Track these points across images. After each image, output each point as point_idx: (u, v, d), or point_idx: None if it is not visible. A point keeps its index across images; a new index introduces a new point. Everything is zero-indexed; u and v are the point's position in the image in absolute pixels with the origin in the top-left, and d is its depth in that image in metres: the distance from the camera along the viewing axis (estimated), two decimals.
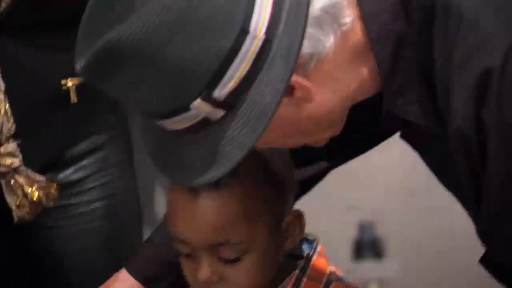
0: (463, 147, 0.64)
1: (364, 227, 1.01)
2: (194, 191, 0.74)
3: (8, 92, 0.91)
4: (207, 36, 0.62)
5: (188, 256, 0.76)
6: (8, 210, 0.92)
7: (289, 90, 0.65)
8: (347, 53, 0.67)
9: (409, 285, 1.60)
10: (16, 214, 0.92)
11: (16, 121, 0.91)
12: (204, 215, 0.75)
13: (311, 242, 0.83)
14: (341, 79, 0.68)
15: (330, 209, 1.10)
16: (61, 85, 0.93)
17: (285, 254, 0.80)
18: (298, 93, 0.66)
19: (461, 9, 0.63)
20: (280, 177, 0.78)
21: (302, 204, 0.82)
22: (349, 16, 0.66)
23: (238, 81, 0.63)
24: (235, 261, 0.75)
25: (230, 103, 0.64)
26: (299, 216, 0.79)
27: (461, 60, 0.63)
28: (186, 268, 0.78)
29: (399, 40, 0.67)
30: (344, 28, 0.66)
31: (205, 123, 0.65)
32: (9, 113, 0.91)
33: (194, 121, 0.65)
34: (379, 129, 0.76)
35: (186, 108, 0.64)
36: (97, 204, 1.00)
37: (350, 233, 0.86)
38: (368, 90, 0.70)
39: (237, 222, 0.74)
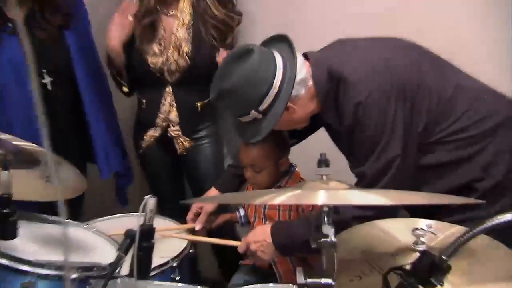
0: (347, 132, 1.56)
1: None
2: (246, 145, 1.82)
3: (176, 102, 2.22)
4: (258, 86, 1.53)
5: (245, 168, 1.87)
6: (175, 149, 2.26)
7: (287, 108, 1.57)
8: (309, 96, 1.60)
9: None
10: (179, 150, 2.26)
11: (179, 116, 2.22)
12: (247, 154, 1.85)
13: (294, 166, 1.92)
14: (306, 105, 1.62)
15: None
16: (196, 105, 2.24)
17: (282, 171, 1.87)
18: (291, 110, 1.59)
19: (347, 78, 1.54)
20: (281, 142, 1.84)
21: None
22: (310, 82, 1.59)
23: (267, 105, 1.54)
24: (258, 172, 1.85)
25: (265, 112, 1.56)
26: (287, 159, 1.89)
27: (348, 99, 1.53)
28: (245, 173, 1.88)
29: (328, 92, 1.58)
30: (308, 86, 1.59)
31: (254, 119, 1.57)
32: (175, 111, 2.23)
33: (251, 118, 1.58)
34: (315, 126, 1.77)
35: (248, 113, 1.57)
36: (208, 151, 2.31)
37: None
38: (316, 111, 1.64)
39: (259, 158, 1.83)
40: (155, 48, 2.14)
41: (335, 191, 1.08)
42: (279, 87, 1.52)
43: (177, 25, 2.13)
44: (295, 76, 1.53)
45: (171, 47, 2.13)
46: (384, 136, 1.51)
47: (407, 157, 1.53)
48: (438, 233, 1.33)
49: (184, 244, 1.79)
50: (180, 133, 2.22)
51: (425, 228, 1.32)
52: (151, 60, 2.14)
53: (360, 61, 1.57)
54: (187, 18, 2.12)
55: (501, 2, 1.80)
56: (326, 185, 1.13)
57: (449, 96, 1.56)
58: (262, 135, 1.57)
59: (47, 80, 2.01)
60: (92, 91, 2.12)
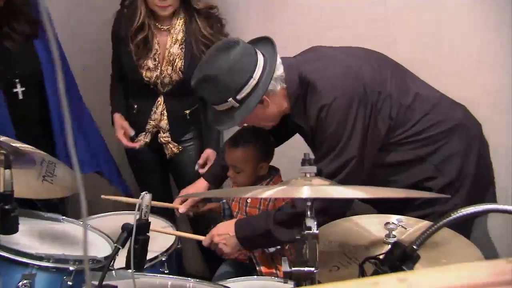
0: (311, 131, 1.70)
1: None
2: (231, 147, 1.95)
3: (167, 111, 2.35)
4: (238, 75, 1.63)
5: (229, 167, 1.98)
6: (164, 153, 2.39)
7: (262, 101, 1.68)
8: (282, 95, 1.72)
9: None
10: (168, 155, 2.39)
11: (169, 124, 2.36)
12: (230, 155, 1.96)
13: (277, 170, 2.02)
14: (279, 103, 1.74)
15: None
16: (185, 113, 2.38)
17: (260, 175, 1.96)
18: (265, 103, 1.70)
19: (315, 84, 1.67)
20: (264, 149, 1.96)
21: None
22: (284, 83, 1.71)
23: (245, 94, 1.63)
24: (238, 173, 1.96)
25: (241, 102, 1.64)
26: (267, 164, 1.97)
27: (315, 103, 1.67)
28: (228, 172, 2.00)
29: (297, 96, 1.71)
30: (283, 86, 1.71)
31: (231, 108, 1.66)
32: (166, 119, 2.35)
33: (227, 106, 1.66)
34: (290, 130, 1.92)
35: (225, 101, 1.65)
36: (192, 152, 2.41)
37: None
38: (286, 111, 1.76)
39: (239, 160, 1.94)
40: (150, 63, 2.26)
41: (318, 186, 1.21)
42: (258, 79, 1.63)
43: (171, 41, 2.25)
44: (273, 72, 1.64)
45: (165, 62, 2.25)
46: (343, 137, 1.64)
47: (363, 158, 1.66)
48: (407, 227, 1.47)
49: (172, 239, 1.89)
50: (169, 139, 2.36)
51: (396, 222, 1.46)
52: (146, 74, 2.26)
53: (328, 69, 1.71)
54: (180, 35, 2.24)
55: (502, 4, 1.89)
56: (310, 182, 1.25)
57: (409, 103, 1.72)
58: (235, 122, 1.68)
59: (19, 89, 2.05)
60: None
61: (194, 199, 2.09)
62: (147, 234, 1.37)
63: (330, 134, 1.65)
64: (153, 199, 2.33)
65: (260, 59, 1.66)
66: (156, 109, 2.33)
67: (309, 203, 1.22)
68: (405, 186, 1.73)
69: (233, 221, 1.83)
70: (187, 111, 2.37)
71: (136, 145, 2.36)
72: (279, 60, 1.70)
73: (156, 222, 1.98)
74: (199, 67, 1.68)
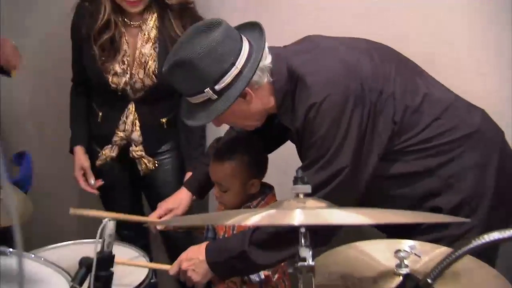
0: (297, 133, 1.47)
1: None
2: (216, 161, 1.72)
3: (139, 120, 2.06)
4: (218, 62, 1.37)
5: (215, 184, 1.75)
6: (137, 169, 2.11)
7: (245, 95, 1.44)
8: (269, 90, 1.48)
9: None
10: (142, 171, 2.12)
11: (142, 135, 2.07)
12: (214, 170, 1.74)
13: (270, 189, 1.80)
14: (264, 99, 1.49)
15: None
16: (161, 122, 2.10)
17: (250, 193, 1.73)
18: (248, 97, 1.45)
19: (305, 79, 1.43)
20: (254, 163, 1.72)
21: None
22: (272, 77, 1.47)
23: (225, 84, 1.38)
24: (224, 192, 1.73)
25: (220, 93, 1.40)
26: (259, 182, 1.75)
27: (304, 100, 1.43)
28: (214, 191, 1.77)
29: (286, 92, 1.47)
30: (270, 79, 1.47)
31: (207, 101, 1.41)
32: (138, 130, 2.06)
33: (203, 99, 1.41)
34: (278, 136, 1.71)
35: (202, 92, 1.40)
36: (169, 166, 2.16)
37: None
38: (273, 110, 1.52)
39: (225, 176, 1.71)
40: (117, 67, 1.97)
41: (312, 210, 0.98)
42: (241, 68, 1.39)
43: (142, 40, 1.97)
44: (260, 60, 1.40)
45: (136, 64, 1.97)
46: (334, 143, 1.41)
47: (358, 168, 1.44)
48: (422, 255, 1.24)
49: (145, 271, 1.64)
50: (143, 153, 2.08)
51: (408, 249, 1.24)
52: (112, 79, 1.98)
53: (322, 63, 1.48)
54: (153, 33, 1.96)
55: (502, 5, 1.75)
56: (303, 203, 1.04)
57: (416, 105, 1.49)
58: (211, 117, 1.42)
59: None
60: None
61: (176, 212, 1.83)
62: (111, 269, 1.15)
63: (319, 138, 1.42)
64: (125, 223, 2.05)
65: (246, 46, 1.42)
66: (126, 118, 2.03)
67: (302, 230, 1.01)
68: (409, 203, 1.50)
69: (204, 244, 1.57)
70: (164, 120, 2.09)
71: (95, 191, 2.13)
72: (267, 49, 1.45)
73: (124, 252, 1.72)
74: (173, 51, 1.43)
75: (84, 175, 2.14)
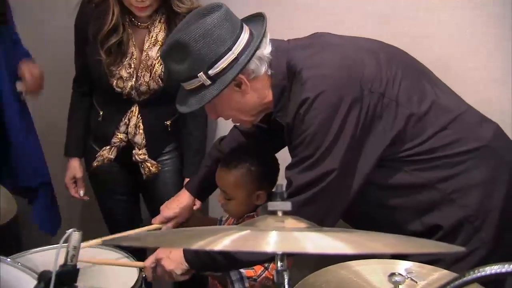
0: (288, 129, 1.38)
1: None
2: (223, 168, 1.66)
3: (143, 123, 1.96)
4: (214, 45, 1.30)
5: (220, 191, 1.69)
6: (139, 173, 2.02)
7: (240, 84, 1.36)
8: (266, 83, 1.40)
9: None
10: (144, 176, 2.01)
11: (146, 138, 1.97)
12: (220, 177, 1.67)
13: None
14: (261, 92, 1.41)
15: None
16: (166, 124, 2.01)
17: (258, 204, 1.67)
18: (243, 87, 1.37)
19: (301, 73, 1.34)
20: (260, 172, 1.64)
21: None
22: (271, 69, 1.39)
23: (219, 70, 1.31)
24: (228, 200, 1.67)
25: (214, 79, 1.32)
26: (264, 193, 1.65)
27: (297, 95, 1.33)
28: (219, 197, 1.70)
29: (283, 88, 1.39)
30: (269, 72, 1.39)
31: (201, 86, 1.34)
32: (142, 133, 1.96)
33: (197, 84, 1.34)
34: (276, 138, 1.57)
35: (195, 76, 1.33)
36: (169, 167, 2.06)
37: None
38: (269, 106, 1.44)
39: (230, 185, 1.65)
40: (124, 72, 1.87)
41: (289, 233, 0.87)
42: (238, 54, 1.31)
43: (149, 42, 1.87)
44: (257, 47, 1.32)
45: (142, 67, 1.88)
46: (323, 142, 1.29)
47: (347, 173, 1.33)
48: (418, 279, 1.12)
49: (134, 277, 1.55)
50: (146, 156, 1.98)
51: (404, 273, 1.12)
52: (118, 83, 1.89)
53: (321, 58, 1.37)
54: (160, 35, 1.87)
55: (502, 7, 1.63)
56: (281, 223, 0.92)
57: (422, 113, 1.36)
58: (202, 102, 1.34)
59: None
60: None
61: (177, 223, 1.75)
62: (75, 284, 1.05)
63: (308, 135, 1.31)
64: (120, 225, 2.07)
65: (246, 33, 1.34)
66: (129, 120, 1.94)
67: (279, 252, 0.90)
68: (407, 216, 1.39)
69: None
70: (168, 122, 1.99)
71: (85, 198, 2.09)
72: (268, 39, 1.37)
73: (106, 255, 1.62)
74: (171, 34, 1.37)
75: (75, 182, 2.08)
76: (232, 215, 1.73)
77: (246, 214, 1.67)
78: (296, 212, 0.93)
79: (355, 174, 1.33)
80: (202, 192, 1.79)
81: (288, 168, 1.38)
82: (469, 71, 1.71)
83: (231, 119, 1.51)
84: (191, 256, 1.44)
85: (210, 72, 1.31)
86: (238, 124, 1.63)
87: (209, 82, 1.32)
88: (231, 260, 1.38)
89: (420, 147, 1.35)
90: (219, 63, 1.30)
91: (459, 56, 1.72)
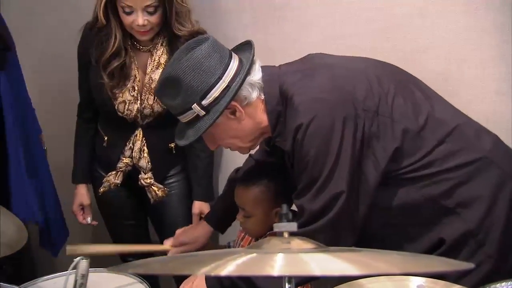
0: (288, 156, 1.40)
1: None
2: (241, 185, 1.65)
3: (147, 146, 1.97)
4: (204, 76, 1.32)
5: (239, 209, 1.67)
6: (146, 197, 2.02)
7: (234, 111, 1.38)
8: (260, 108, 1.40)
9: None
10: (152, 200, 2.01)
11: (151, 162, 1.97)
12: (239, 195, 1.65)
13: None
14: (256, 117, 1.41)
15: None
16: (170, 147, 2.01)
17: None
18: (237, 114, 1.38)
19: (293, 99, 1.35)
20: (278, 189, 1.61)
21: None
22: (262, 94, 1.40)
23: (212, 99, 1.33)
24: (247, 217, 1.65)
25: (208, 109, 1.34)
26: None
27: (291, 121, 1.34)
28: (238, 215, 1.70)
29: (278, 113, 1.39)
30: (262, 97, 1.40)
31: (196, 117, 1.36)
32: (147, 156, 1.97)
33: (192, 116, 1.36)
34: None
35: (190, 108, 1.34)
36: (176, 190, 2.05)
37: None
38: (267, 131, 1.43)
39: (248, 202, 1.63)
40: (128, 95, 1.89)
41: (295, 256, 0.86)
42: (229, 82, 1.33)
43: (152, 65, 1.89)
44: (246, 73, 1.35)
45: (145, 90, 1.89)
46: (325, 168, 1.30)
47: (356, 194, 1.33)
48: None
49: None
50: (152, 180, 1.98)
51: None
52: (120, 107, 1.90)
53: (311, 82, 1.37)
54: (163, 58, 1.88)
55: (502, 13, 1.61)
56: (287, 244, 0.92)
57: (418, 128, 1.35)
58: (198, 133, 1.36)
59: None
60: (18, 136, 1.94)
61: (189, 248, 1.74)
62: None
63: (309, 161, 1.31)
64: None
65: (235, 62, 1.37)
66: (133, 145, 1.95)
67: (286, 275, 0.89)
68: (407, 233, 1.38)
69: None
70: (172, 144, 1.98)
71: (93, 223, 2.10)
72: (258, 65, 1.39)
73: (120, 280, 1.62)
74: (162, 71, 1.44)
75: (83, 209, 2.09)
76: (251, 234, 1.71)
77: (267, 232, 1.65)
78: (313, 239, 0.93)
79: (362, 195, 1.33)
80: (220, 224, 1.80)
81: (297, 196, 1.37)
82: (468, 81, 1.69)
83: (229, 148, 1.52)
84: (212, 284, 1.44)
85: (204, 102, 1.33)
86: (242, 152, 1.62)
87: (203, 112, 1.34)
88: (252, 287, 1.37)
89: (419, 162, 1.34)
90: (211, 92, 1.33)
91: (457, 69, 1.70)
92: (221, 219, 1.79)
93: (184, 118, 1.37)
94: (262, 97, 1.39)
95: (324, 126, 1.29)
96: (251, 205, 1.63)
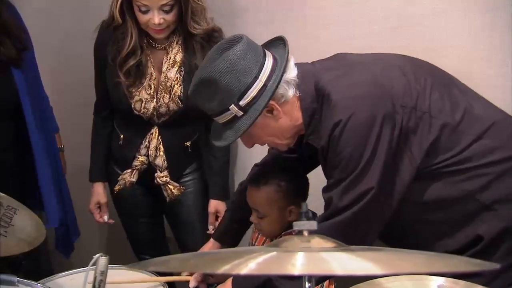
0: (322, 152, 1.39)
1: None
2: (252, 186, 1.65)
3: (163, 145, 1.97)
4: (241, 76, 1.32)
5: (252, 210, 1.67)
6: (162, 195, 2.03)
7: (271, 110, 1.38)
8: (296, 106, 1.41)
9: None
10: (168, 198, 2.02)
11: (167, 160, 1.98)
12: (251, 196, 1.66)
13: (315, 214, 1.52)
14: (293, 115, 1.42)
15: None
16: (186, 145, 2.02)
17: (291, 220, 1.57)
18: (275, 112, 1.39)
19: (331, 96, 1.35)
20: (290, 186, 1.62)
21: None
22: (298, 91, 1.40)
23: (250, 99, 1.33)
24: (261, 218, 1.64)
25: (245, 109, 1.35)
26: (297, 207, 1.57)
27: (328, 118, 1.35)
28: (251, 216, 1.69)
29: (313, 111, 1.40)
30: (297, 94, 1.40)
31: (233, 118, 1.36)
32: (163, 155, 1.97)
33: (230, 116, 1.36)
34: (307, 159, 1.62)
35: (227, 109, 1.35)
36: (192, 188, 2.05)
37: None
38: (301, 128, 1.44)
39: (261, 202, 1.63)
40: (144, 93, 1.90)
41: (316, 254, 0.85)
42: (265, 81, 1.33)
43: (168, 64, 1.89)
44: (284, 71, 1.35)
45: (161, 88, 1.90)
46: (360, 163, 1.31)
47: (385, 191, 1.33)
48: None
49: None
50: (168, 179, 1.99)
51: None
52: (137, 105, 1.91)
53: (349, 79, 1.38)
54: (178, 56, 1.89)
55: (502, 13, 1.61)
56: (307, 243, 0.91)
57: (456, 123, 1.36)
58: (239, 133, 1.37)
59: None
60: (40, 134, 1.93)
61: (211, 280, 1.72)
62: None
63: (344, 159, 1.33)
64: (145, 247, 2.09)
65: (269, 60, 1.37)
66: (149, 143, 1.96)
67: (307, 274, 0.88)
68: (446, 228, 1.37)
69: (230, 278, 1.48)
70: (188, 143, 2.00)
71: (110, 221, 2.10)
72: (292, 62, 1.39)
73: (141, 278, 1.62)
74: (197, 72, 1.41)
75: (100, 208, 2.10)
76: (266, 234, 1.70)
77: (282, 232, 1.64)
78: (335, 234, 0.95)
79: (393, 191, 1.34)
80: (226, 238, 1.78)
81: (326, 189, 1.38)
82: (479, 80, 1.67)
83: (266, 144, 1.54)
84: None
85: (241, 103, 1.33)
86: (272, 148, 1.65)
87: (241, 113, 1.34)
88: None
89: (456, 157, 1.34)
90: (248, 92, 1.33)
91: (469, 66, 1.69)
92: (227, 233, 1.78)
93: (221, 119, 1.38)
94: (298, 94, 1.39)
95: (361, 125, 1.30)
96: (264, 205, 1.62)
